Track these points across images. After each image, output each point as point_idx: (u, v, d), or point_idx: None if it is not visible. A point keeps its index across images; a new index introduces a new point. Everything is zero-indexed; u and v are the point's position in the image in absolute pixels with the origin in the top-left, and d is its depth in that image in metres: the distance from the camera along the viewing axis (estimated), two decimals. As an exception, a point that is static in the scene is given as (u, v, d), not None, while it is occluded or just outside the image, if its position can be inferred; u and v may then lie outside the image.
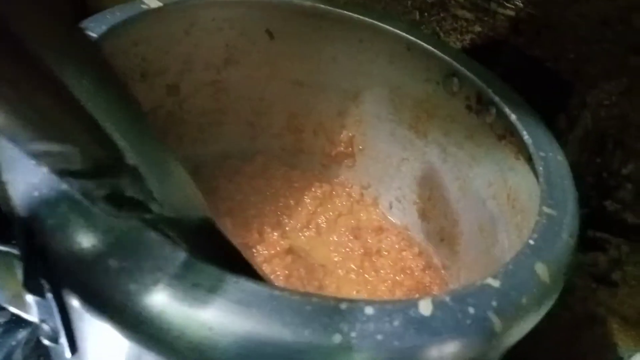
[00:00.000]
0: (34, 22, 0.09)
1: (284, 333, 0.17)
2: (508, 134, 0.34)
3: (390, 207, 0.48)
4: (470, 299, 0.20)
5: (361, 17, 0.39)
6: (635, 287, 0.45)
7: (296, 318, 0.17)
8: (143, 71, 0.35)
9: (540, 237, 0.23)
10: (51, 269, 0.19)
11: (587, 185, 0.43)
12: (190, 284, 0.18)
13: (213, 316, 0.17)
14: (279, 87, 0.44)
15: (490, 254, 0.36)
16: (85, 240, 0.18)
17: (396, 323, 0.18)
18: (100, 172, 0.10)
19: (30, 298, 0.20)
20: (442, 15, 0.47)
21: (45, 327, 0.22)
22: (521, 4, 0.41)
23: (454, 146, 0.40)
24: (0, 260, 0.19)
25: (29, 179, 0.19)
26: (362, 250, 0.43)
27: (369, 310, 0.18)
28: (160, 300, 0.18)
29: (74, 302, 0.19)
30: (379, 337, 0.18)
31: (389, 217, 0.48)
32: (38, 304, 0.21)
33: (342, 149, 0.48)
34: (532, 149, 0.29)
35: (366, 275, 0.41)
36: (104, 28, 0.28)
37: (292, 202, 0.46)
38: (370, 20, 0.39)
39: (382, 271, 0.42)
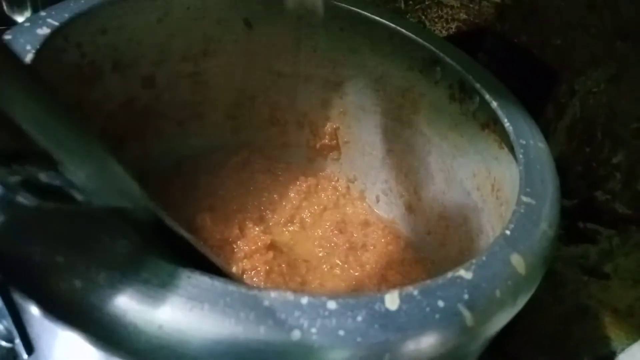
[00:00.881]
0: None
1: (237, 330, 0.16)
2: (491, 123, 0.33)
3: (377, 201, 0.47)
4: (440, 292, 0.19)
5: (342, 4, 0.38)
6: (626, 279, 0.44)
7: (251, 314, 0.16)
8: (115, 62, 0.34)
9: (517, 227, 0.22)
10: (-3, 267, 0.18)
11: (576, 175, 0.42)
12: (140, 280, 0.17)
13: (163, 313, 0.16)
14: (259, 78, 0.43)
15: (475, 246, 0.35)
16: (30, 236, 0.17)
17: (359, 318, 0.17)
18: (6, 157, 0.09)
19: (-21, 297, 0.19)
20: (427, 2, 0.46)
21: (0, 327, 0.21)
22: (506, -10, 0.40)
23: (438, 137, 0.39)
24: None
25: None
26: (347, 245, 0.42)
27: (331, 304, 0.17)
28: (109, 297, 0.17)
29: (23, 301, 0.18)
30: (341, 333, 0.17)
31: (376, 211, 0.47)
32: (-11, 303, 0.20)
33: (326, 141, 0.47)
34: (512, 137, 0.28)
35: (351, 271, 0.41)
36: (66, 15, 0.27)
37: (275, 196, 0.45)
38: (351, 8, 0.38)
39: (367, 266, 0.41)
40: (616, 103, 0.39)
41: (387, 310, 0.18)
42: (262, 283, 0.36)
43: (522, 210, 0.23)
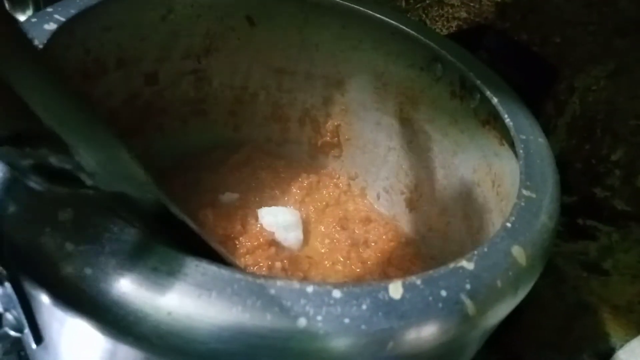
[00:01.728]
0: None
1: (244, 317, 0.16)
2: (492, 119, 0.33)
3: (378, 198, 0.47)
4: (443, 282, 0.19)
5: (343, 2, 0.39)
6: (626, 276, 0.44)
7: (258, 302, 0.17)
8: (118, 58, 0.34)
9: (517, 219, 0.23)
10: (7, 257, 0.18)
11: (576, 171, 0.42)
12: (149, 268, 0.17)
13: (172, 300, 0.17)
14: (261, 75, 0.43)
15: (476, 242, 0.35)
16: (40, 224, 0.18)
17: (364, 306, 0.18)
18: (20, 139, 0.10)
19: (-12, 287, 0.19)
20: (428, 1, 0.46)
21: (9, 317, 0.21)
22: (507, -12, 0.40)
23: (439, 133, 0.39)
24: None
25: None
26: (349, 242, 0.42)
27: (336, 293, 0.18)
28: (118, 284, 0.17)
29: (33, 290, 0.19)
30: (346, 320, 0.17)
31: (377, 208, 0.47)
32: (-1, 293, 0.20)
33: (328, 138, 0.47)
34: (513, 132, 0.28)
35: (353, 267, 0.41)
36: (72, 12, 0.28)
37: (277, 192, 0.45)
38: (353, 6, 0.39)
39: (369, 262, 0.41)
40: (615, 100, 0.39)
41: (390, 298, 0.18)
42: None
43: (522, 203, 0.23)
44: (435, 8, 0.45)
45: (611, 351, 0.44)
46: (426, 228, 0.43)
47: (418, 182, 0.43)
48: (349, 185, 0.48)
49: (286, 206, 0.44)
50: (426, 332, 0.18)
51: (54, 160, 0.10)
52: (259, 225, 0.40)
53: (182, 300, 0.17)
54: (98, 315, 0.17)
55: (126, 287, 0.17)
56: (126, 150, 0.13)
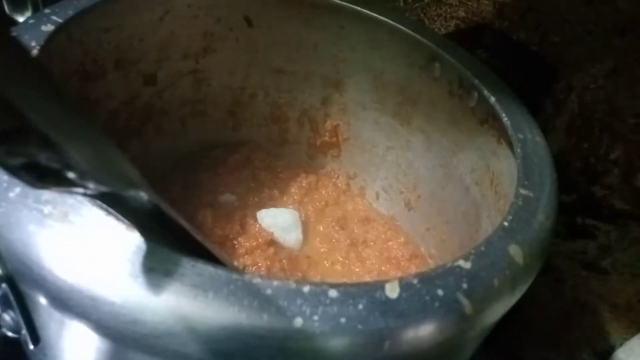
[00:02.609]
0: None
1: (240, 318, 0.16)
2: (490, 118, 0.33)
3: (377, 197, 0.47)
4: (439, 281, 0.19)
5: (341, 2, 0.39)
6: (625, 274, 0.44)
7: (254, 302, 0.17)
8: (117, 59, 0.35)
9: (515, 218, 0.23)
10: (4, 257, 0.18)
11: (575, 170, 0.42)
12: (146, 268, 0.17)
13: (168, 301, 0.17)
14: (260, 75, 0.43)
15: (474, 241, 0.35)
16: (33, 223, 0.18)
17: (361, 306, 0.18)
18: (6, 137, 0.10)
19: (-15, 288, 0.19)
20: (426, 1, 0.46)
21: (7, 317, 0.22)
22: (505, -13, 0.40)
23: (437, 133, 0.39)
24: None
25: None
26: (348, 241, 0.42)
27: (332, 293, 0.18)
28: (115, 285, 0.17)
29: (29, 291, 0.19)
30: (343, 320, 0.17)
31: (376, 207, 0.47)
32: (-4, 294, 0.20)
33: (326, 138, 0.47)
34: (510, 131, 0.28)
35: (352, 267, 0.41)
36: (70, 13, 0.28)
37: (276, 193, 0.45)
38: (351, 6, 0.39)
39: (368, 262, 0.41)
40: (614, 98, 0.39)
41: (387, 298, 0.18)
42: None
43: (520, 202, 0.23)
44: (434, 7, 0.45)
45: (610, 350, 0.44)
46: (425, 227, 0.43)
47: (417, 182, 0.43)
48: (348, 185, 0.48)
49: (285, 206, 0.44)
50: (423, 332, 0.18)
51: (42, 158, 0.10)
52: (257, 225, 0.40)
53: (179, 301, 0.17)
54: (95, 317, 0.17)
55: (123, 287, 0.17)
56: (117, 149, 0.13)
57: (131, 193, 0.15)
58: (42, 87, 0.11)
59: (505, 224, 0.22)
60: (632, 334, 0.43)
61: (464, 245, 0.37)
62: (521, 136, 0.28)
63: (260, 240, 0.39)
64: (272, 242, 0.39)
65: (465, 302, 0.19)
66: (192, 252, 0.18)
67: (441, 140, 0.39)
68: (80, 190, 0.12)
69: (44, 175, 0.11)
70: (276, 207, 0.44)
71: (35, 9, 0.43)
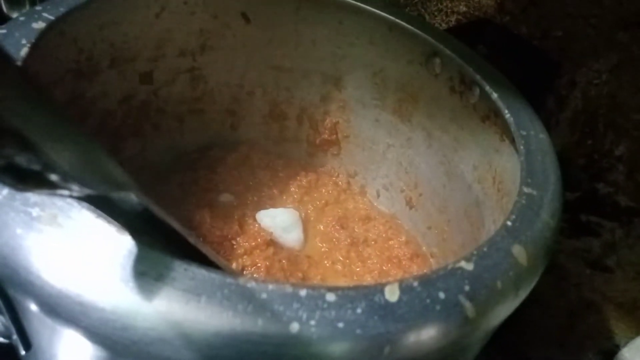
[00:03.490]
0: None
1: (234, 323, 0.16)
2: (492, 115, 0.33)
3: (378, 196, 0.46)
4: (441, 284, 0.18)
5: (340, -3, 0.38)
6: (630, 272, 0.44)
7: (249, 306, 0.16)
8: (112, 57, 0.34)
9: (518, 218, 0.22)
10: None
11: (578, 167, 0.42)
12: (137, 273, 0.17)
13: (160, 306, 0.16)
14: (258, 72, 0.42)
15: (476, 240, 0.35)
16: (20, 226, 0.17)
17: (359, 310, 0.17)
18: None
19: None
20: (426, -4, 0.45)
21: (-3, 323, 0.21)
22: (506, -19, 0.40)
23: (439, 130, 0.38)
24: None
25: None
26: (348, 240, 0.42)
27: (330, 296, 0.17)
28: (106, 290, 0.16)
29: (19, 297, 0.18)
30: (340, 325, 0.17)
31: (377, 206, 0.46)
32: (-14, 299, 0.20)
33: (326, 136, 0.46)
34: (513, 128, 0.28)
35: (353, 266, 0.40)
36: (62, 10, 0.27)
37: (276, 192, 0.45)
38: (350, 1, 0.38)
39: (368, 261, 0.41)
40: (618, 94, 0.38)
41: (387, 301, 0.18)
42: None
43: (523, 201, 0.23)
44: (434, 2, 0.45)
45: (615, 349, 0.43)
46: (426, 226, 0.42)
47: (418, 180, 0.42)
48: (348, 183, 0.47)
49: (285, 205, 0.43)
50: (424, 336, 0.18)
51: (21, 160, 0.10)
52: (257, 225, 0.39)
53: (171, 306, 0.16)
54: (86, 322, 0.16)
55: (114, 292, 0.16)
56: (103, 150, 0.13)
57: (119, 195, 0.14)
58: (19, 88, 0.10)
59: (509, 223, 0.22)
60: (637, 333, 0.42)
61: (465, 244, 0.37)
62: (524, 133, 0.27)
63: (259, 240, 0.38)
64: (271, 242, 0.39)
65: (467, 305, 0.18)
66: (185, 255, 0.17)
67: (442, 137, 0.39)
68: (65, 192, 0.11)
69: (24, 177, 0.10)
70: (275, 206, 0.43)
71: (33, 7, 0.43)
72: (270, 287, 0.17)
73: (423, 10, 0.46)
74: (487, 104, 0.32)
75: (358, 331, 0.17)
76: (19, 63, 0.22)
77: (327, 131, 0.46)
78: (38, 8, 0.26)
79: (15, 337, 0.21)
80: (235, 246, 0.38)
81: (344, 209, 0.45)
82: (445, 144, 0.38)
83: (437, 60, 0.36)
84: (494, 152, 0.33)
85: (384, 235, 0.43)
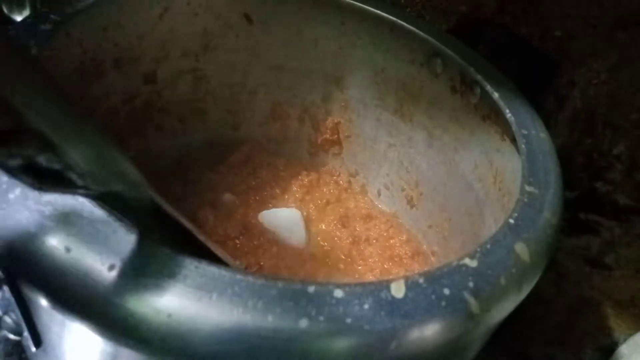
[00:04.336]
0: None
1: (245, 319, 0.16)
2: (493, 114, 0.33)
3: (379, 195, 0.47)
4: (445, 280, 0.19)
5: (342, -2, 0.38)
6: (628, 270, 0.44)
7: (259, 303, 0.17)
8: (116, 58, 0.34)
9: (520, 215, 0.22)
10: (5, 259, 0.18)
11: (578, 166, 0.42)
12: (149, 270, 0.17)
13: (172, 303, 0.16)
14: (260, 73, 0.43)
15: (478, 238, 0.35)
16: (34, 226, 0.17)
17: (366, 306, 0.17)
18: (5, 139, 0.09)
19: (-14, 290, 0.19)
20: (426, -4, 0.46)
21: (8, 320, 0.21)
22: (506, -18, 0.40)
23: (439, 129, 0.39)
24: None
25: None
26: (350, 239, 0.42)
27: (338, 293, 0.18)
28: (118, 287, 0.17)
29: (31, 294, 0.18)
30: (348, 320, 0.17)
31: (378, 205, 0.47)
32: (-3, 296, 0.20)
33: (328, 136, 0.47)
34: (514, 127, 0.28)
35: (354, 265, 0.41)
36: (69, 11, 0.27)
37: (278, 191, 0.45)
38: (352, 2, 0.38)
39: (370, 260, 0.41)
40: (617, 93, 0.39)
41: (393, 298, 0.18)
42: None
43: (525, 199, 0.23)
44: (435, 3, 0.45)
45: (614, 346, 0.44)
46: (427, 224, 0.43)
47: (419, 179, 0.43)
48: (349, 182, 0.48)
49: (286, 204, 0.44)
50: (430, 331, 0.18)
51: (42, 160, 0.10)
52: (259, 224, 0.40)
53: (182, 302, 0.16)
54: (98, 319, 0.17)
55: (126, 289, 0.17)
56: (118, 149, 0.13)
57: (132, 193, 0.15)
58: (41, 88, 0.10)
59: (511, 221, 0.22)
60: (636, 330, 0.42)
61: (466, 243, 0.37)
62: (525, 132, 0.28)
63: (262, 239, 0.39)
64: (274, 242, 0.39)
65: (471, 300, 0.19)
66: (194, 252, 0.17)
67: (443, 136, 0.39)
68: (81, 190, 0.11)
69: (44, 176, 0.10)
70: (277, 205, 0.43)
71: (34, 9, 0.43)
72: (280, 284, 0.17)
73: (423, 10, 0.47)
74: (488, 104, 0.32)
75: (366, 326, 0.17)
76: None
77: (328, 131, 0.46)
78: (46, 10, 0.27)
79: (25, 334, 0.21)
80: (239, 245, 0.38)
81: (345, 208, 0.46)
82: (446, 144, 0.39)
83: (438, 60, 0.36)
84: (494, 152, 0.33)
85: (385, 234, 0.43)
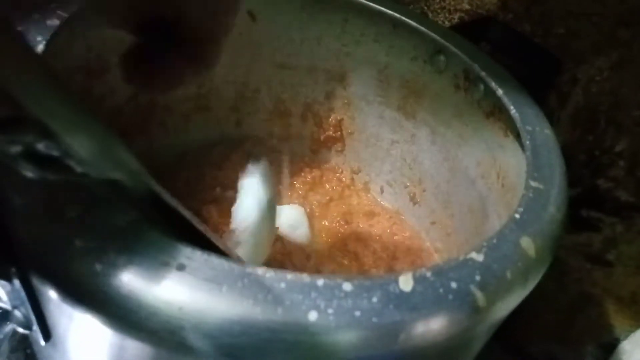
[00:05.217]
0: None
1: (255, 311, 0.16)
2: (496, 111, 0.33)
3: (382, 192, 0.47)
4: (453, 274, 0.19)
5: (345, -5, 0.38)
6: (630, 267, 0.44)
7: (269, 295, 0.17)
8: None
9: (526, 210, 0.22)
10: (16, 253, 0.18)
11: (580, 163, 0.42)
12: (159, 263, 0.17)
13: (182, 295, 0.17)
14: (263, 70, 0.43)
15: (481, 235, 0.35)
16: (48, 221, 0.17)
17: (375, 299, 0.18)
18: (4, 126, 0.10)
19: (-2, 284, 0.19)
20: (429, -7, 0.46)
21: (18, 314, 0.21)
22: (509, -20, 0.40)
23: (443, 126, 0.39)
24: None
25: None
26: (353, 236, 0.42)
27: (347, 286, 0.18)
28: (129, 280, 0.17)
29: (42, 287, 0.19)
30: (357, 313, 0.17)
31: (381, 202, 0.47)
32: (7, 290, 0.20)
33: (330, 133, 0.47)
34: (519, 124, 0.28)
35: (358, 261, 0.41)
36: (74, 7, 0.27)
37: (280, 188, 0.45)
38: (355, -1, 0.38)
39: (373, 256, 0.41)
40: (619, 91, 0.39)
41: (401, 291, 0.18)
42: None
43: (530, 195, 0.23)
44: (437, 0, 0.45)
45: (615, 342, 0.44)
46: (430, 221, 0.43)
47: (422, 176, 0.43)
48: (352, 179, 0.48)
49: (290, 201, 0.44)
50: (437, 324, 0.18)
51: (41, 147, 0.10)
52: (263, 221, 0.40)
53: (193, 295, 0.17)
54: (108, 311, 0.17)
55: (136, 282, 0.17)
56: (117, 137, 0.13)
57: (132, 182, 0.15)
58: (40, 77, 0.11)
59: (517, 216, 0.22)
60: (637, 326, 0.43)
61: (469, 239, 0.37)
62: (530, 128, 0.28)
63: (266, 235, 0.39)
64: (279, 238, 0.39)
65: (478, 294, 0.19)
66: (195, 243, 0.17)
67: (446, 133, 0.39)
68: (81, 178, 0.12)
69: (43, 163, 0.11)
70: (280, 202, 0.43)
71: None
72: (289, 277, 0.17)
73: (426, 7, 0.47)
74: (492, 100, 0.33)
75: (374, 319, 0.17)
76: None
77: (331, 128, 0.46)
78: (53, 5, 0.27)
79: (35, 327, 0.21)
80: (242, 241, 0.38)
81: (348, 204, 0.46)
82: (449, 140, 0.39)
83: (442, 58, 0.37)
84: (498, 148, 0.34)
85: (388, 230, 0.44)
